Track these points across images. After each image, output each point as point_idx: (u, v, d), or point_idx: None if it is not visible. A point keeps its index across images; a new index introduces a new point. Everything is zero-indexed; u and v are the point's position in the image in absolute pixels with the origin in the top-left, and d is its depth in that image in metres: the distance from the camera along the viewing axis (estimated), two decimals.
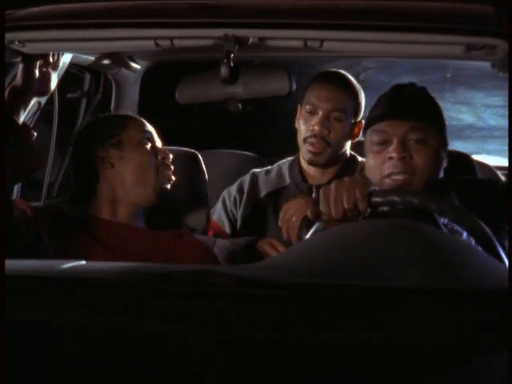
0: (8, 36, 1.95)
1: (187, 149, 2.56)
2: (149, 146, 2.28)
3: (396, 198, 1.79)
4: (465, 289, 1.32)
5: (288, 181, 2.70)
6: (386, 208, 1.85)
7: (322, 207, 1.84)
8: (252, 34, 1.89)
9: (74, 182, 2.33)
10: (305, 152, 2.63)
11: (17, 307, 1.24)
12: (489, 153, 3.97)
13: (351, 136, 2.64)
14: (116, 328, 1.19)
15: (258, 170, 2.78)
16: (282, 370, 1.08)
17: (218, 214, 2.73)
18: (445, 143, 2.08)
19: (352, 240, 1.50)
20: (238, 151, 3.31)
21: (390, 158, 2.00)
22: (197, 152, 2.55)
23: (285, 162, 2.77)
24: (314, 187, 2.55)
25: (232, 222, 2.71)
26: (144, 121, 2.34)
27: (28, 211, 2.13)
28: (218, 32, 1.88)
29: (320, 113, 2.59)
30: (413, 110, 2.03)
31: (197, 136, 3.27)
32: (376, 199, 1.81)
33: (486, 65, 2.03)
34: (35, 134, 2.16)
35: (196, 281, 1.36)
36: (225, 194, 2.76)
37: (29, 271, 1.40)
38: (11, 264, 1.35)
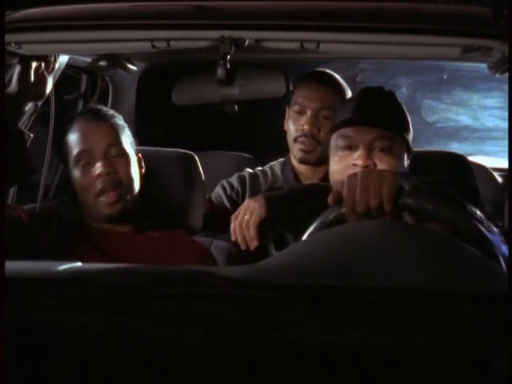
0: (5, 38, 1.95)
1: (184, 150, 2.55)
2: (86, 161, 2.17)
3: (429, 207, 1.72)
4: (466, 290, 1.32)
5: (282, 181, 2.70)
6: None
7: (345, 197, 1.75)
8: (248, 36, 1.89)
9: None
10: (296, 151, 2.66)
11: (13, 309, 1.24)
12: (486, 154, 3.97)
13: None
14: (112, 329, 1.19)
15: (255, 169, 2.78)
16: (281, 371, 1.08)
17: (216, 196, 2.71)
18: (409, 151, 2.07)
19: (353, 240, 1.50)
20: (235, 153, 3.31)
21: (354, 165, 1.98)
22: (193, 153, 2.55)
23: (276, 163, 2.78)
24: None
25: (231, 206, 2.69)
26: (91, 124, 2.21)
27: (23, 216, 2.11)
28: (215, 34, 1.87)
29: (309, 112, 2.62)
30: (380, 118, 2.02)
31: (193, 137, 3.26)
32: (405, 201, 1.74)
33: (483, 66, 2.03)
34: (31, 136, 2.16)
35: (193, 282, 1.36)
36: (224, 183, 2.74)
37: (24, 273, 1.40)
38: (7, 266, 1.34)
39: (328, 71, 2.74)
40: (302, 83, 2.70)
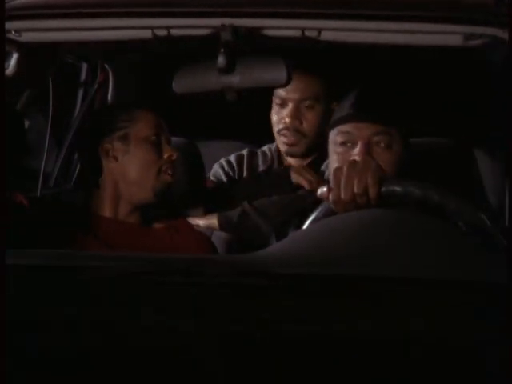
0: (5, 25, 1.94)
1: (185, 139, 2.55)
2: (156, 142, 2.23)
3: (416, 191, 1.75)
4: (466, 280, 1.32)
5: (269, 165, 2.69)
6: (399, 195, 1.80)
7: (331, 187, 1.81)
8: (249, 24, 1.89)
9: (79, 172, 2.32)
10: (280, 144, 2.62)
11: (13, 297, 1.24)
12: None
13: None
14: (110, 318, 1.18)
15: (255, 149, 2.77)
16: (280, 360, 1.08)
17: (215, 173, 2.70)
18: (408, 146, 2.06)
19: (351, 229, 1.50)
20: (234, 142, 3.30)
21: (353, 160, 1.98)
22: (195, 142, 2.54)
23: (265, 148, 2.76)
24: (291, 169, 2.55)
25: (228, 181, 2.69)
26: (155, 114, 2.29)
27: (25, 204, 2.11)
28: (216, 21, 1.87)
29: (290, 104, 2.57)
30: (379, 114, 2.01)
31: (194, 126, 3.26)
32: (390, 188, 1.78)
33: None
34: (27, 123, 2.15)
35: (193, 270, 1.36)
36: (222, 161, 2.73)
37: (24, 261, 1.40)
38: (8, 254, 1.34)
39: (310, 57, 2.61)
40: None
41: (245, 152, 2.74)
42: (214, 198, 2.53)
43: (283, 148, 2.62)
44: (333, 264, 1.35)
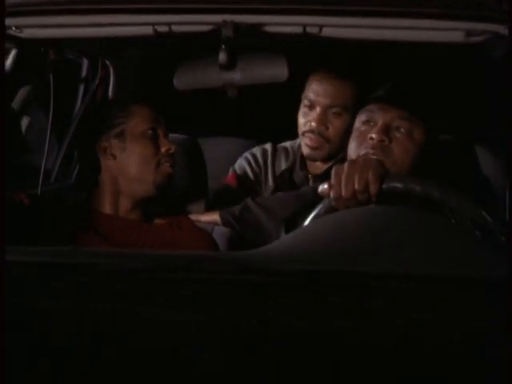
0: (5, 22, 1.94)
1: (186, 136, 2.55)
2: (152, 137, 2.22)
3: (417, 188, 1.74)
4: (466, 276, 1.32)
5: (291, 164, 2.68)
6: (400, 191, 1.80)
7: (332, 184, 1.82)
8: (250, 20, 1.88)
9: (78, 171, 2.31)
10: (303, 145, 2.61)
11: (14, 294, 1.24)
12: None
13: None
14: (110, 314, 1.18)
15: (275, 145, 2.75)
16: (282, 357, 1.08)
17: (241, 168, 2.69)
18: (431, 140, 2.06)
19: (352, 226, 1.50)
20: (236, 138, 3.30)
21: (371, 138, 1.98)
22: (196, 139, 2.54)
23: (287, 145, 2.74)
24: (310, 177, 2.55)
25: (255, 180, 2.68)
26: (150, 108, 2.28)
27: (25, 201, 2.11)
28: (217, 18, 1.87)
29: (318, 108, 2.56)
30: (406, 99, 2.02)
31: (196, 123, 3.26)
32: (391, 184, 1.78)
33: None
34: (28, 120, 2.15)
35: (194, 267, 1.36)
36: (248, 155, 2.72)
37: (25, 258, 1.40)
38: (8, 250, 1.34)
39: (345, 61, 2.62)
40: (314, 75, 2.61)
41: (268, 148, 2.72)
42: (238, 193, 2.52)
43: (306, 150, 2.60)
44: (334, 261, 1.35)
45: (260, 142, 3.22)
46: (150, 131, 2.23)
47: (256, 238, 2.23)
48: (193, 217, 2.40)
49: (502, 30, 1.76)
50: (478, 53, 2.04)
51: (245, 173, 2.67)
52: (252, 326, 1.16)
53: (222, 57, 1.92)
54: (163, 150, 2.22)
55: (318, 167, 2.63)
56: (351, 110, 2.55)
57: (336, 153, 2.60)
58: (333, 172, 1.85)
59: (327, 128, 2.56)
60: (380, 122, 1.99)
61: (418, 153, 2.00)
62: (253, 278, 1.31)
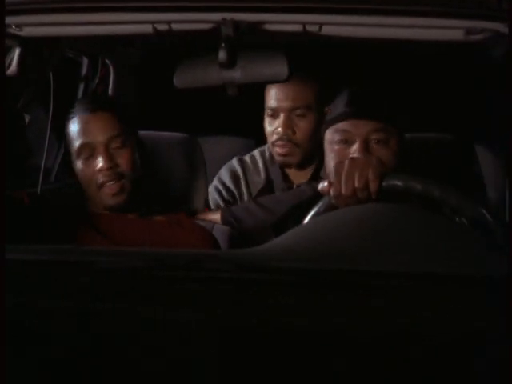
0: (5, 20, 1.94)
1: (186, 134, 2.55)
2: (86, 154, 2.15)
3: (417, 187, 1.75)
4: (465, 275, 1.32)
5: (263, 179, 2.62)
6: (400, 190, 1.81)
7: (332, 181, 1.82)
8: (251, 18, 1.88)
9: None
10: (275, 155, 2.58)
11: (14, 293, 1.24)
12: None
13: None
14: (110, 312, 1.18)
15: (244, 158, 2.70)
16: (281, 355, 1.08)
17: (213, 201, 2.64)
18: (403, 143, 2.06)
19: (352, 224, 1.50)
20: (235, 137, 3.30)
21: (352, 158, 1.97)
22: (196, 138, 2.54)
23: (257, 155, 2.69)
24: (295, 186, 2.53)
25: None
26: (86, 117, 2.18)
27: (25, 200, 2.11)
28: (217, 16, 1.86)
29: (281, 114, 2.54)
30: (376, 110, 2.01)
31: (195, 121, 3.26)
32: (391, 182, 1.79)
33: None
34: (27, 120, 2.15)
35: (194, 265, 1.36)
36: (217, 184, 2.66)
37: (25, 257, 1.40)
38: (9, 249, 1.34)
39: (300, 65, 2.53)
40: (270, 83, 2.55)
41: (236, 166, 2.66)
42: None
43: (278, 159, 2.58)
44: (334, 259, 1.35)
45: (260, 141, 3.23)
46: (83, 149, 2.15)
47: (256, 236, 2.24)
48: (193, 215, 2.40)
49: (501, 28, 1.76)
50: (478, 51, 2.04)
51: (217, 204, 2.62)
52: (252, 324, 1.16)
53: (222, 55, 1.92)
54: (96, 168, 2.14)
55: (302, 175, 2.60)
56: (315, 108, 2.54)
57: (310, 156, 2.57)
58: (333, 170, 1.85)
59: (294, 132, 2.53)
60: (358, 140, 1.97)
61: (396, 157, 2.00)
62: (253, 276, 1.31)
